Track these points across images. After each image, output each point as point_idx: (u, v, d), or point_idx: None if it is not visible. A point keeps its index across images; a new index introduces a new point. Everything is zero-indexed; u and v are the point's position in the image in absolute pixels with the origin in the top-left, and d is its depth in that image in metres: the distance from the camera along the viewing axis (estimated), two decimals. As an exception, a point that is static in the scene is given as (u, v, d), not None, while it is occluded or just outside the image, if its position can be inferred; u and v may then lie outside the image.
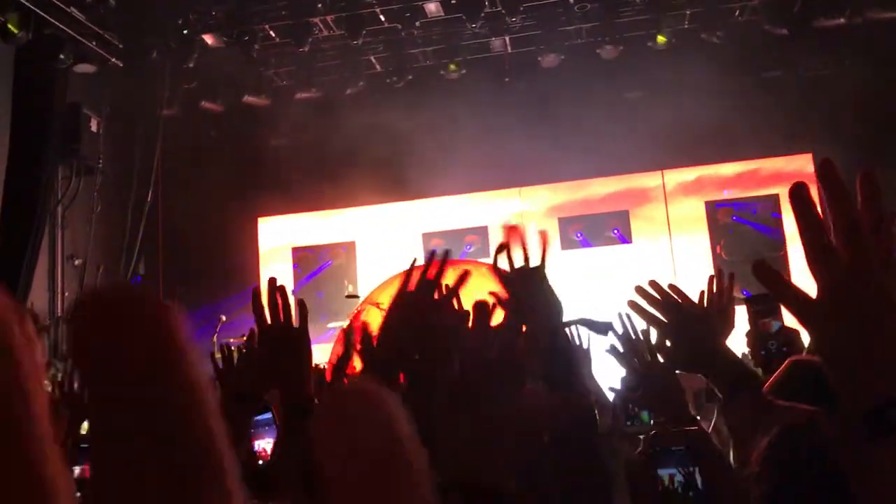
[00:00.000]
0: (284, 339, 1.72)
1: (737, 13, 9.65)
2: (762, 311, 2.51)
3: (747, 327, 4.75)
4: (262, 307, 1.78)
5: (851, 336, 0.82)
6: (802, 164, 10.49)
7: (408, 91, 10.48)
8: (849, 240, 0.83)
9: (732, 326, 2.00)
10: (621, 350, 2.21)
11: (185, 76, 9.91)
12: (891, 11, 9.03)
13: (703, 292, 2.09)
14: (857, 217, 0.83)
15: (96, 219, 9.99)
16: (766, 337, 2.21)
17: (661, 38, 9.60)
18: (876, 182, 0.85)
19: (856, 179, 0.85)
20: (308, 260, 11.62)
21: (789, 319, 2.22)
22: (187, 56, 9.50)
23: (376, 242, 11.38)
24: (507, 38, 10.01)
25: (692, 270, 10.55)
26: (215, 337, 9.04)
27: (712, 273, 2.10)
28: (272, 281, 1.83)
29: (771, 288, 0.88)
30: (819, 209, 0.87)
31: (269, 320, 1.77)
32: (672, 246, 10.70)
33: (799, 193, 0.85)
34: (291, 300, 1.90)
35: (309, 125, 10.63)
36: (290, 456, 1.56)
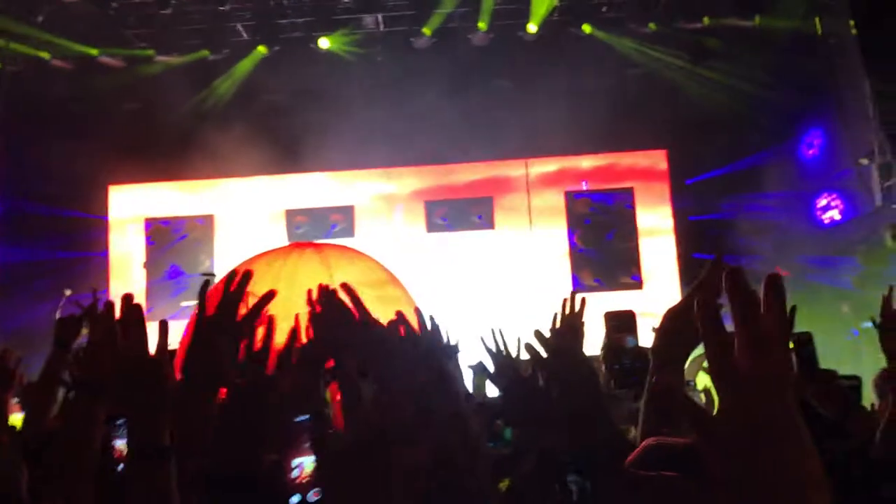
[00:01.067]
0: (139, 370, 1.44)
1: (604, 9, 9.95)
2: (618, 327, 2.62)
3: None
4: (112, 331, 1.51)
5: (749, 456, 0.81)
6: (656, 160, 11.00)
7: (276, 62, 10.21)
8: (754, 358, 0.82)
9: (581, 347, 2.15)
10: (492, 369, 2.24)
11: (34, 30, 9.22)
12: (746, 20, 9.57)
13: (556, 314, 2.22)
14: (764, 334, 0.82)
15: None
16: (620, 352, 2.31)
17: (531, 29, 9.77)
18: (782, 289, 0.84)
19: (762, 283, 0.83)
20: (162, 232, 11.11)
21: (643, 338, 2.37)
22: (37, 8, 8.85)
23: (237, 217, 11.04)
24: (379, 17, 9.91)
25: (550, 258, 10.88)
26: (59, 312, 8.51)
27: (567, 296, 2.25)
28: (127, 298, 1.55)
29: (672, 403, 0.86)
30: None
31: (121, 349, 1.49)
32: (532, 234, 10.97)
33: (706, 308, 0.84)
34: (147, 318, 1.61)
35: (169, 90, 10.15)
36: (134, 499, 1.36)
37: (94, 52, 9.73)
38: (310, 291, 2.24)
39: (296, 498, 1.51)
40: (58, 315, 8.68)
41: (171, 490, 1.34)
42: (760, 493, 0.80)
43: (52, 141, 9.78)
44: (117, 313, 1.52)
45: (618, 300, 10.26)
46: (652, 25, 9.78)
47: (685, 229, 10.65)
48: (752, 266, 9.04)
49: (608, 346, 2.19)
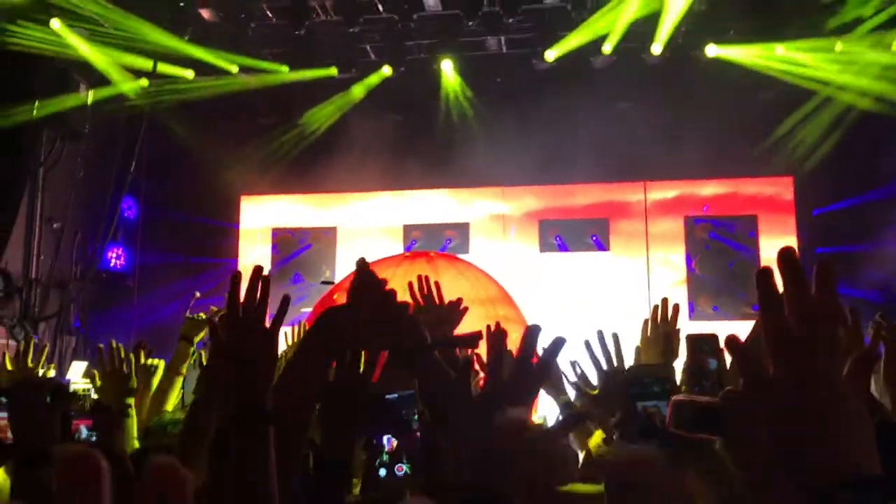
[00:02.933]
0: (251, 337, 1.53)
1: (730, 31, 9.73)
2: (701, 350, 2.57)
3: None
4: (237, 295, 1.59)
5: (796, 419, 0.86)
6: (782, 189, 10.64)
7: (400, 82, 10.51)
8: (803, 327, 0.90)
9: (676, 355, 2.08)
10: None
11: (181, 44, 9.84)
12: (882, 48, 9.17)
13: (646, 321, 2.17)
14: (812, 306, 0.90)
15: (78, 184, 9.93)
16: (700, 375, 2.27)
17: (654, 50, 9.66)
18: (831, 271, 0.93)
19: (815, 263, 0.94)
20: (288, 242, 11.62)
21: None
22: (183, 28, 9.47)
23: (358, 230, 11.42)
24: (502, 38, 10.06)
25: (666, 283, 10.68)
26: (188, 312, 9.02)
27: (663, 299, 2.18)
28: (258, 269, 1.66)
29: (736, 358, 0.94)
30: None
31: (240, 312, 1.58)
32: (648, 257, 10.82)
33: (764, 277, 0.93)
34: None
35: (300, 107, 10.65)
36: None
37: (233, 68, 10.25)
38: (410, 284, 2.28)
39: (383, 471, 1.61)
40: (188, 313, 9.21)
41: (269, 455, 1.38)
42: (812, 457, 0.84)
43: (190, 152, 10.41)
44: (244, 284, 1.62)
45: (737, 329, 9.96)
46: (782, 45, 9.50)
47: (812, 262, 10.22)
48: (890, 301, 8.61)
49: (689, 369, 2.16)
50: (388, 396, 1.72)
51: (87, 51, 9.32)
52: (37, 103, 8.97)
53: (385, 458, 1.65)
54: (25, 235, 9.68)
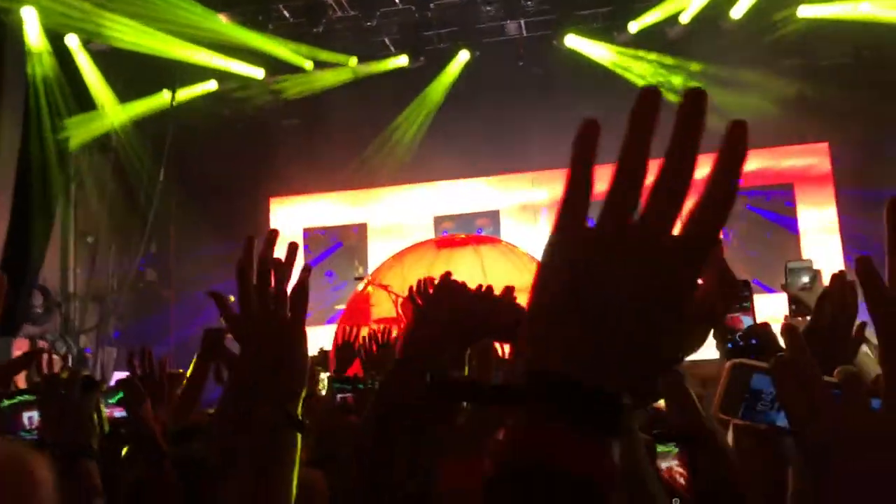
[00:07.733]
0: (272, 331, 1.27)
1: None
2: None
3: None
4: (249, 286, 1.31)
5: None
6: (818, 156, 10.39)
7: (421, 73, 10.44)
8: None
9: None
10: None
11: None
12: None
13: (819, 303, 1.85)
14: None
15: (109, 197, 9.99)
16: (730, 331, 2.05)
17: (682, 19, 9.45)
18: None
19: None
20: (319, 241, 11.61)
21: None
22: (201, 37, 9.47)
23: (387, 224, 11.38)
24: (522, 22, 9.93)
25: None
26: (222, 319, 9.04)
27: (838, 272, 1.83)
28: (272, 235, 1.32)
29: (867, 288, 0.81)
30: None
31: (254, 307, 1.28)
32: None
33: (864, 262, 0.80)
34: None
35: (324, 106, 10.61)
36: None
37: (258, 73, 10.22)
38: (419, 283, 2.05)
39: None
40: (222, 320, 9.22)
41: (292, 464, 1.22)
42: None
43: (217, 157, 10.43)
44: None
45: (780, 300, 9.77)
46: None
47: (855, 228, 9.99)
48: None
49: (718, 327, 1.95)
50: None
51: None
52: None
53: None
54: (61, 251, 9.77)
